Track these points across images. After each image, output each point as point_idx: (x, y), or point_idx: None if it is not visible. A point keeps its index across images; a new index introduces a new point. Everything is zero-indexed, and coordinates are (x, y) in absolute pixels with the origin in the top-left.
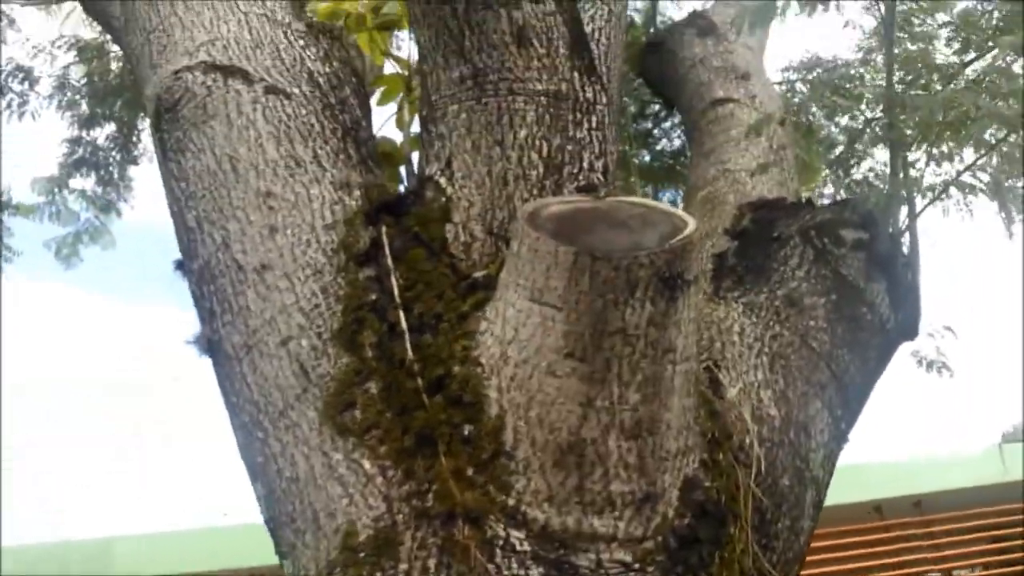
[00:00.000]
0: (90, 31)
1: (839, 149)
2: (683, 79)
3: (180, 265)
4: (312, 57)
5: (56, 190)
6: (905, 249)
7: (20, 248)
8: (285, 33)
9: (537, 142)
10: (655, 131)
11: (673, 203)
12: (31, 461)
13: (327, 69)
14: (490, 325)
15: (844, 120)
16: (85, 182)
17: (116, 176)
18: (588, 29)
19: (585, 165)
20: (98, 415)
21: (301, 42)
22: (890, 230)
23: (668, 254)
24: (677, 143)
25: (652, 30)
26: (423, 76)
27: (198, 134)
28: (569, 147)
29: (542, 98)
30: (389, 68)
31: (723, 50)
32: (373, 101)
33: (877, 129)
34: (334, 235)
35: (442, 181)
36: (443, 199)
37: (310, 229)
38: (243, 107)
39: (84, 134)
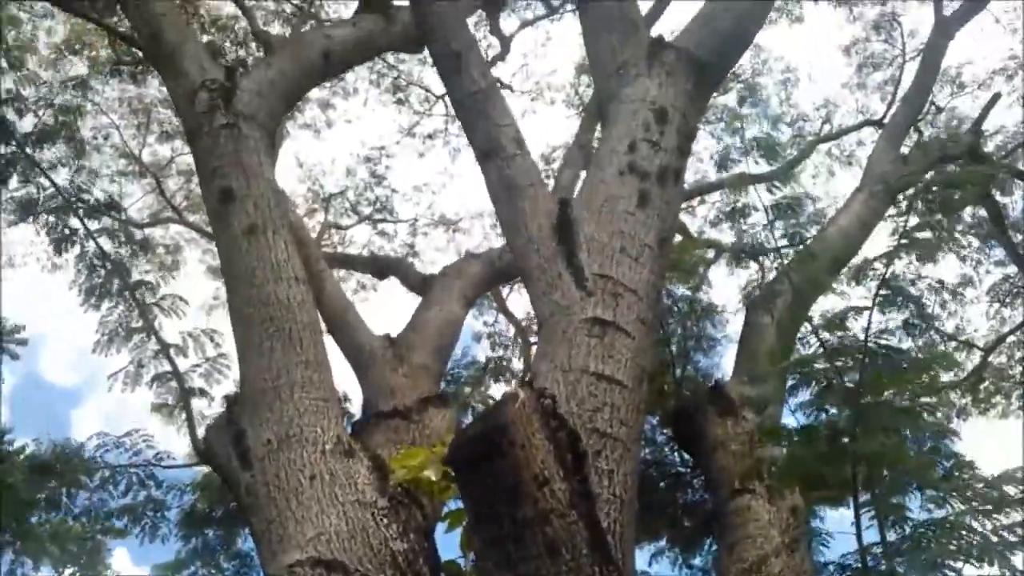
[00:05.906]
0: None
1: None
2: (708, 457)
3: None
4: (393, 535)
5: None
6: None
7: None
8: (373, 515)
9: None
10: (692, 479)
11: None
12: None
13: (404, 546)
14: None
15: None
16: None
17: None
18: (605, 524)
19: None
20: None
21: (384, 521)
22: None
23: None
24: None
25: (678, 392)
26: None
27: None
28: None
29: None
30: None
31: (741, 431)
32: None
33: None
34: None
35: None
36: None
37: None
38: None
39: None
